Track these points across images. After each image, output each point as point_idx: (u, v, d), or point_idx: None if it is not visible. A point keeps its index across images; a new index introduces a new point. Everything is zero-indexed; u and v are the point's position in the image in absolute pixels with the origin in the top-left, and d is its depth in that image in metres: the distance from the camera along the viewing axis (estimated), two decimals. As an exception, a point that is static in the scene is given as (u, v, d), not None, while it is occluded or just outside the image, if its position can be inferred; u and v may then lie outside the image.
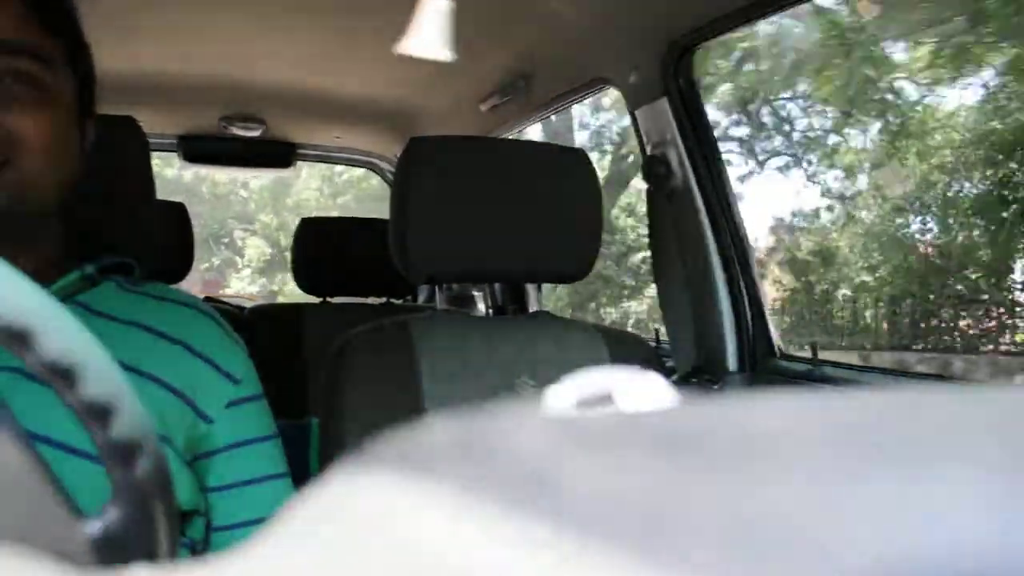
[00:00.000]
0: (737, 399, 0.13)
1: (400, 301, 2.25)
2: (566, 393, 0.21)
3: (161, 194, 1.05)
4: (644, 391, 0.21)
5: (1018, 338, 6.69)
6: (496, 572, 0.09)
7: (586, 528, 0.10)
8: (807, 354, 1.33)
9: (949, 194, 7.09)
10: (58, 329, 0.34)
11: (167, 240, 1.74)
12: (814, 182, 8.67)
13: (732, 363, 1.42)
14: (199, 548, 0.77)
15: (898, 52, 7.19)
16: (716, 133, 1.82)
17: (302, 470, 0.99)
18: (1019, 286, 6.70)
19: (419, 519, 0.11)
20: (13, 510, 0.27)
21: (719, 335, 1.42)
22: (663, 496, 0.10)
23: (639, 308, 9.42)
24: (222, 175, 10.58)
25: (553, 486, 0.11)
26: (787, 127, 8.73)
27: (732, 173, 6.24)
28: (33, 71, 0.69)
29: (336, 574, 0.10)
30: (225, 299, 2.42)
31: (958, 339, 6.89)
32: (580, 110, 9.67)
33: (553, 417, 0.14)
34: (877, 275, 7.65)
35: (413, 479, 0.12)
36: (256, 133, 2.32)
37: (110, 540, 0.33)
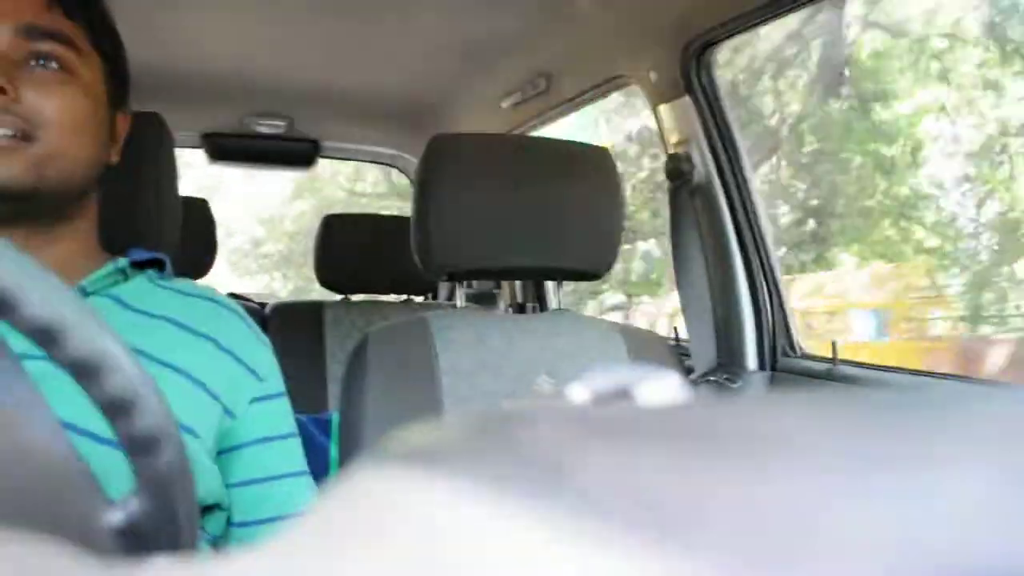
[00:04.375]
0: (754, 396, 0.13)
1: (420, 299, 2.25)
2: (584, 389, 0.21)
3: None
4: (661, 388, 0.22)
5: None
6: (521, 562, 0.09)
7: (607, 518, 0.10)
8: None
9: None
10: (83, 326, 0.34)
11: (191, 235, 1.76)
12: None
13: (752, 362, 1.41)
14: (219, 544, 0.78)
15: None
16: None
17: (322, 465, 0.99)
18: None
19: (443, 512, 0.11)
20: (43, 494, 0.28)
21: (739, 333, 1.42)
22: (679, 487, 0.10)
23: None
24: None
25: (574, 477, 0.11)
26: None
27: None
28: (57, 53, 0.71)
29: (359, 569, 0.10)
30: (246, 296, 2.43)
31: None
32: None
33: (572, 410, 0.14)
34: None
35: (435, 472, 0.12)
36: (281, 130, 2.33)
37: (132, 529, 0.34)
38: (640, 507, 0.10)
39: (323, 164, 2.40)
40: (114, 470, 0.58)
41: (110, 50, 0.79)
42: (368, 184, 9.16)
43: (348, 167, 8.10)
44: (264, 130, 2.32)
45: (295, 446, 0.84)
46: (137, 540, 0.34)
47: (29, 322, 0.32)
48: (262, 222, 9.88)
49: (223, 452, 0.78)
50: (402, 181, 2.80)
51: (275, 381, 0.83)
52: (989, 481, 0.09)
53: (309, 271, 2.26)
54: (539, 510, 0.10)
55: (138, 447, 0.35)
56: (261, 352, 0.83)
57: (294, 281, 9.30)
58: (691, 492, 0.10)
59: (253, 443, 0.79)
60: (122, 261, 0.78)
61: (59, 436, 0.26)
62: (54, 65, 0.71)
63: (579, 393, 0.21)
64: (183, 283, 0.84)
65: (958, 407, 0.11)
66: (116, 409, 0.35)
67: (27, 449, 0.23)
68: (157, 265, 0.84)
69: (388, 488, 0.12)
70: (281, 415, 0.83)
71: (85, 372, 0.34)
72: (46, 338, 0.33)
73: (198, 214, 1.92)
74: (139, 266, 0.82)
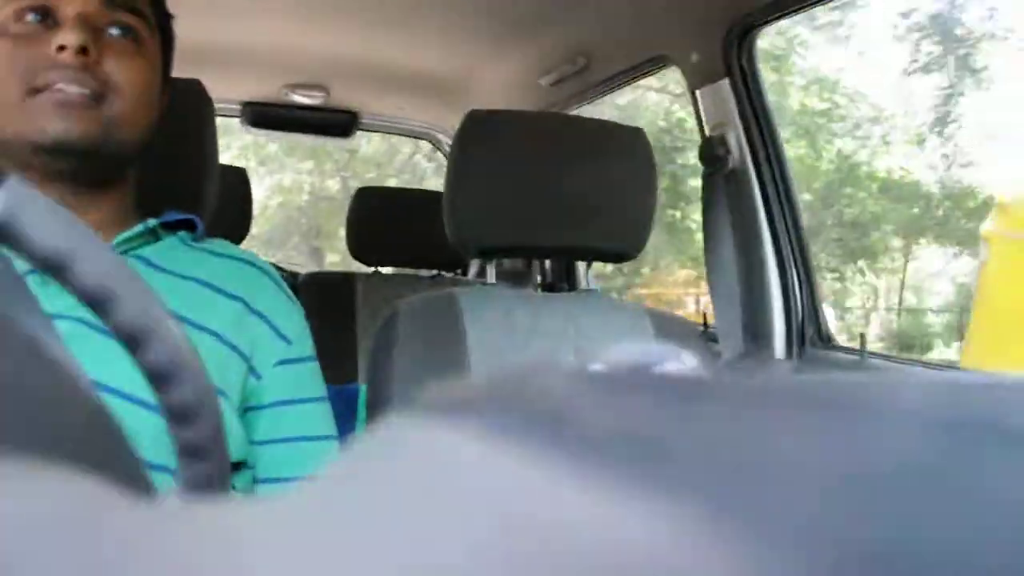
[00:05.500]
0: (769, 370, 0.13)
1: (451, 274, 2.26)
2: (604, 366, 0.22)
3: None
4: (681, 367, 0.22)
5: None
6: (558, 519, 0.10)
7: (635, 474, 0.10)
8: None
9: None
10: (134, 295, 0.35)
11: (228, 203, 1.78)
12: None
13: (780, 349, 1.40)
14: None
15: None
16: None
17: (348, 436, 1.01)
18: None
19: (477, 467, 0.11)
20: (82, 455, 0.29)
21: (767, 321, 1.41)
22: (698, 442, 0.11)
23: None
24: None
25: (599, 434, 0.11)
26: None
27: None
28: (132, 24, 0.77)
29: (388, 516, 0.10)
30: (279, 265, 2.45)
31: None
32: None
33: (594, 372, 0.15)
34: None
35: (467, 428, 0.12)
36: (319, 101, 2.34)
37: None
38: (669, 460, 0.10)
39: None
40: (148, 431, 0.60)
41: (167, 25, 0.84)
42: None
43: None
44: (302, 100, 2.33)
45: (322, 410, 0.85)
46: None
47: (85, 291, 0.33)
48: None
49: (248, 410, 0.79)
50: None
51: (304, 345, 0.84)
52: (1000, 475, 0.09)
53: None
54: (563, 459, 0.10)
55: (177, 415, 0.36)
56: (291, 315, 0.84)
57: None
58: (707, 444, 0.11)
59: (276, 404, 0.81)
60: (152, 222, 0.80)
61: (95, 396, 0.27)
62: (131, 35, 0.76)
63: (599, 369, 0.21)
64: (215, 244, 0.86)
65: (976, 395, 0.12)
66: (159, 377, 0.35)
67: (63, 398, 0.24)
68: (189, 227, 0.86)
69: (419, 437, 0.12)
70: (309, 379, 0.84)
71: (133, 339, 0.35)
72: (99, 305, 0.34)
73: (236, 182, 1.94)
74: (171, 228, 0.84)
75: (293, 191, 9.99)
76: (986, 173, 7.54)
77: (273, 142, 8.02)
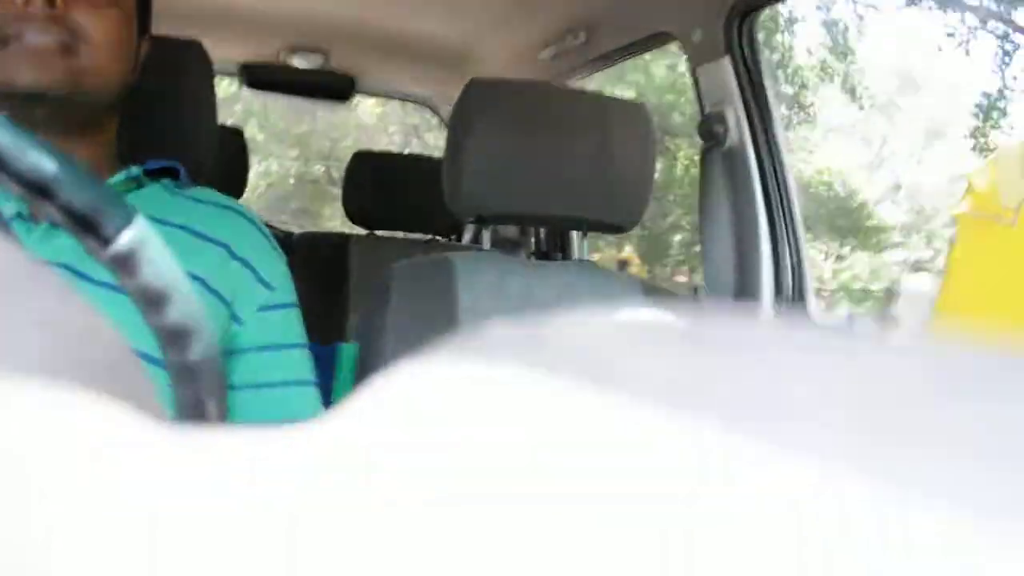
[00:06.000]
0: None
1: (445, 240, 2.27)
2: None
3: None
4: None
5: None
6: (578, 446, 0.10)
7: (651, 413, 0.10)
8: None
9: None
10: (122, 218, 0.35)
11: (224, 163, 1.77)
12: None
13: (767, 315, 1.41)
14: None
15: None
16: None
17: (324, 395, 1.02)
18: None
19: (497, 412, 0.11)
20: (112, 391, 0.29)
21: (757, 299, 1.42)
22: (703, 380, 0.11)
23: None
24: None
25: (614, 376, 0.11)
26: None
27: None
28: None
29: (406, 462, 0.10)
30: (272, 225, 2.44)
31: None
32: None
33: (604, 320, 0.15)
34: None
35: (486, 374, 0.12)
36: (317, 64, 2.33)
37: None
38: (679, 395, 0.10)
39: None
40: (164, 391, 0.61)
41: None
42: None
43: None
44: (300, 63, 2.32)
45: (302, 356, 0.85)
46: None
47: (72, 214, 0.34)
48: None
49: (227, 355, 0.79)
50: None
51: (286, 292, 0.85)
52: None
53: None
54: (584, 397, 0.10)
55: (170, 338, 0.36)
56: (274, 262, 0.85)
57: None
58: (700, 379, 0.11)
59: (256, 349, 0.81)
60: (135, 169, 0.80)
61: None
62: None
63: None
64: (198, 191, 0.86)
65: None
66: (151, 301, 0.36)
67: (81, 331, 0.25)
68: (172, 174, 0.86)
69: (443, 384, 0.12)
70: (289, 325, 0.84)
71: (122, 264, 0.35)
72: (87, 230, 0.34)
73: (232, 142, 1.94)
74: (154, 176, 0.84)
75: (280, 177, 10.28)
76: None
77: (261, 132, 8.14)
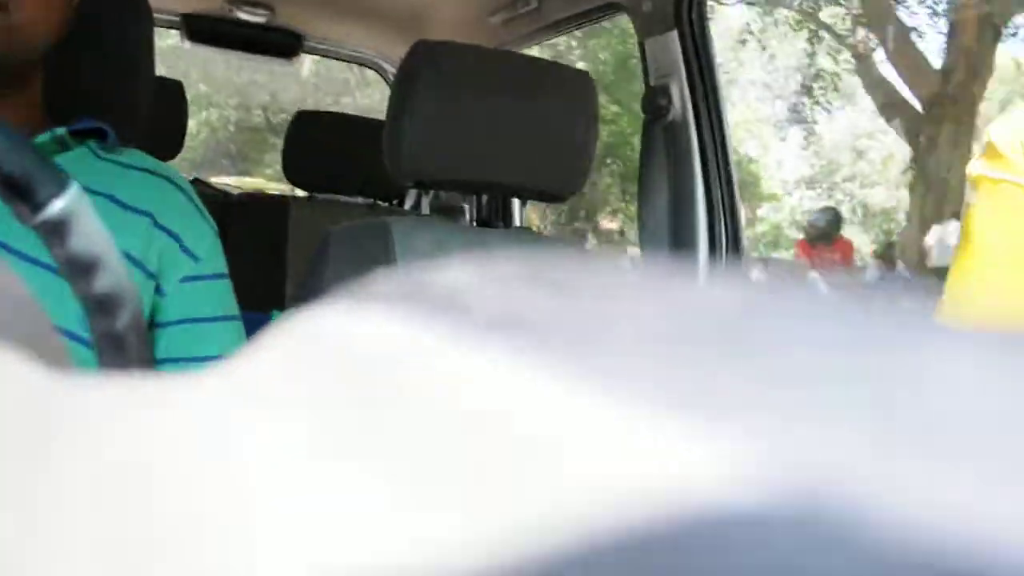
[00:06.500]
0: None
1: (386, 204, 2.24)
2: None
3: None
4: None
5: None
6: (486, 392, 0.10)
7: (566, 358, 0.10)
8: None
9: None
10: (53, 183, 0.34)
11: (162, 117, 1.72)
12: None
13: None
14: None
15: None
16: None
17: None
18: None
19: (418, 352, 0.11)
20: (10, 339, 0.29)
21: (692, 266, 1.44)
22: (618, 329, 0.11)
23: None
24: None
25: (531, 321, 0.11)
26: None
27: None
28: None
29: (324, 398, 0.10)
30: (210, 183, 2.39)
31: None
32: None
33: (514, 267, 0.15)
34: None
35: (403, 316, 0.12)
36: (262, 19, 2.27)
37: None
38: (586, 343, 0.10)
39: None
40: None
41: None
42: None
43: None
44: (245, 17, 2.26)
45: (228, 329, 0.82)
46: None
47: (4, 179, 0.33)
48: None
49: (151, 327, 0.77)
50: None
51: (213, 263, 0.82)
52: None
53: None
54: (492, 344, 0.11)
55: (98, 306, 0.36)
56: (202, 231, 0.82)
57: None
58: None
59: (179, 322, 0.78)
60: (60, 130, 0.77)
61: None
62: None
63: None
64: (126, 154, 0.83)
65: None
66: (79, 269, 0.35)
67: None
68: (100, 135, 0.82)
69: (358, 325, 0.12)
70: (215, 297, 0.82)
71: (53, 232, 0.34)
72: (18, 195, 0.34)
73: (171, 95, 1.88)
74: (81, 137, 0.80)
75: (219, 124, 10.17)
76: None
77: (201, 83, 8.00)
